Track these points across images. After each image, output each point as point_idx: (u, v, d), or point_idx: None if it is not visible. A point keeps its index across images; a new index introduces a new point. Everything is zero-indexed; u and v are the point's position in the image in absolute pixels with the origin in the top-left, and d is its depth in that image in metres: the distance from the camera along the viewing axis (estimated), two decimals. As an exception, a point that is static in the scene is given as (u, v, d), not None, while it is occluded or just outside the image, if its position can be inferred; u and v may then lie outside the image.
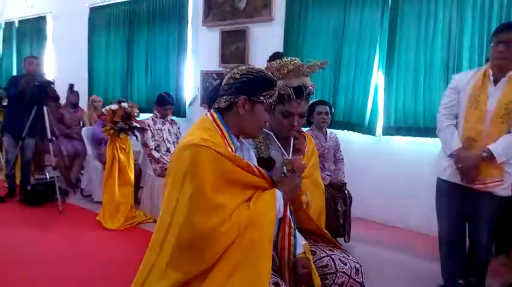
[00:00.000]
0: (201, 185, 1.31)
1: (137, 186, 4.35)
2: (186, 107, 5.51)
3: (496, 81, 2.23)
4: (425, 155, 3.70)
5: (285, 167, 1.56)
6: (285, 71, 1.63)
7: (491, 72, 2.25)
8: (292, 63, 1.64)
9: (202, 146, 1.34)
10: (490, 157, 2.15)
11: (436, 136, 3.35)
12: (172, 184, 1.40)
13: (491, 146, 2.15)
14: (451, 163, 2.32)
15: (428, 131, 3.67)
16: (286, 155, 1.60)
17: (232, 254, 1.32)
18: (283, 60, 1.68)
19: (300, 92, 1.62)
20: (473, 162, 2.20)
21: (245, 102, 1.45)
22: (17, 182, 4.80)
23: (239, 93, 1.45)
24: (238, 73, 1.48)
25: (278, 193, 1.46)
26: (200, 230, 1.31)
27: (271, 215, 1.40)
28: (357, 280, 1.60)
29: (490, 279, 2.46)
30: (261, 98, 1.46)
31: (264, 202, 1.41)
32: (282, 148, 1.64)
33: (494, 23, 3.30)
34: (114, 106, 3.81)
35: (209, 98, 1.58)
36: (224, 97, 1.47)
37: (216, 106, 1.50)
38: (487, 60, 2.52)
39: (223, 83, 1.50)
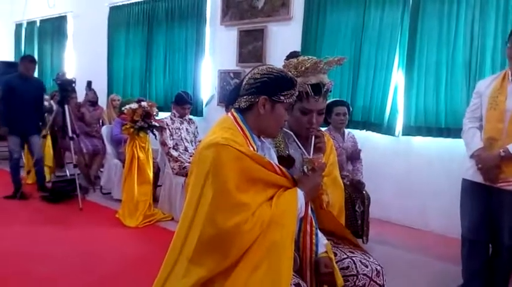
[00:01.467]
0: (224, 184, 1.32)
1: (155, 184, 4.40)
2: (203, 106, 5.54)
3: None
4: (446, 156, 3.66)
5: (305, 166, 1.56)
6: (303, 69, 1.63)
7: (509, 72, 2.29)
8: (309, 61, 1.64)
9: (225, 145, 1.34)
10: (509, 156, 2.17)
11: (457, 137, 3.32)
12: (195, 183, 1.41)
13: (510, 145, 2.18)
14: (474, 163, 2.34)
15: (450, 131, 3.61)
16: (306, 154, 1.60)
17: (255, 252, 1.33)
18: (300, 58, 1.68)
19: (318, 89, 1.63)
20: (492, 162, 2.23)
21: (265, 102, 1.46)
22: (29, 181, 4.92)
23: (260, 93, 1.46)
24: (258, 73, 1.48)
25: (299, 192, 1.46)
26: (223, 228, 1.31)
27: (292, 214, 1.40)
28: (378, 282, 1.59)
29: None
30: (282, 97, 1.46)
31: (286, 201, 1.42)
32: (302, 147, 1.64)
33: (518, 23, 3.23)
34: (134, 105, 3.85)
35: (229, 98, 1.59)
36: (245, 97, 1.48)
37: (237, 106, 1.51)
38: None
39: (243, 83, 1.51)
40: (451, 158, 3.57)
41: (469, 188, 2.42)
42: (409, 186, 3.92)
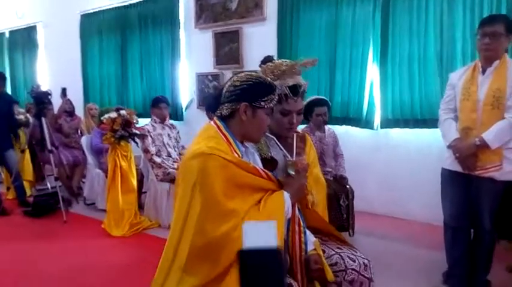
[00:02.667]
0: (211, 192, 1.35)
1: (140, 191, 4.38)
2: (183, 110, 5.53)
3: (484, 72, 2.35)
4: (424, 146, 3.76)
5: (289, 169, 1.59)
6: (279, 72, 1.68)
7: (479, 64, 2.38)
8: (285, 64, 1.70)
9: (211, 154, 1.37)
10: (484, 144, 2.25)
11: (433, 127, 3.43)
12: (182, 194, 1.43)
13: (484, 134, 2.26)
14: (451, 153, 2.43)
15: (426, 122, 3.72)
16: (289, 156, 1.64)
17: None
18: (276, 62, 1.73)
19: (296, 90, 1.68)
20: (468, 151, 2.31)
21: (246, 109, 1.49)
22: (9, 197, 4.83)
23: (240, 100, 1.49)
24: (238, 80, 1.51)
25: (286, 195, 1.50)
26: (214, 237, 1.34)
27: (280, 216, 1.44)
28: (366, 275, 1.65)
29: (494, 264, 2.52)
30: (262, 103, 1.50)
31: (273, 204, 1.46)
32: (283, 150, 1.69)
33: (485, 14, 3.32)
34: (113, 114, 3.82)
35: (210, 105, 1.62)
36: (226, 104, 1.51)
37: (219, 114, 1.54)
38: None
39: (224, 90, 1.54)
40: (429, 148, 3.68)
41: (448, 177, 2.50)
42: (390, 177, 4.01)
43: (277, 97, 1.57)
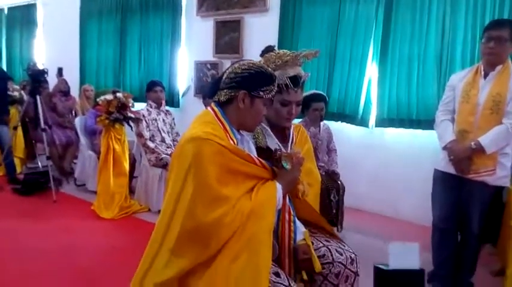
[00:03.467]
0: (205, 177, 1.35)
1: (131, 176, 4.36)
2: (180, 97, 5.50)
3: (486, 76, 2.34)
4: (418, 147, 3.78)
5: (284, 161, 1.59)
6: (281, 62, 1.68)
7: (482, 67, 2.36)
8: (288, 54, 1.69)
9: (206, 139, 1.37)
10: (480, 148, 2.25)
11: (428, 128, 3.44)
12: (176, 177, 1.42)
13: (480, 138, 2.25)
14: (446, 155, 2.42)
15: (421, 123, 3.73)
16: (283, 148, 1.64)
17: (235, 243, 1.37)
18: (277, 52, 1.73)
19: (296, 81, 1.68)
20: (464, 154, 2.31)
21: (245, 97, 1.48)
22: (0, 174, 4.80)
23: (240, 88, 1.48)
24: (239, 68, 1.50)
25: (278, 186, 1.51)
26: (204, 221, 1.34)
27: (271, 207, 1.45)
28: (352, 269, 1.66)
29: (478, 267, 2.55)
30: (261, 93, 1.49)
31: (265, 194, 1.46)
32: (279, 144, 1.70)
33: (487, 19, 3.33)
34: (109, 96, 3.80)
35: (209, 90, 1.61)
36: (224, 91, 1.50)
37: (217, 99, 1.53)
38: None
39: (224, 76, 1.53)
40: (422, 149, 3.70)
41: (440, 178, 2.50)
42: (382, 176, 4.03)
43: (276, 88, 1.56)
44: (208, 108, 1.56)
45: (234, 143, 1.48)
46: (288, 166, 1.56)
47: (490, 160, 2.28)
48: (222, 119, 1.50)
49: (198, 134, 1.39)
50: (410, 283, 2.01)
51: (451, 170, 2.40)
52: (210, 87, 1.63)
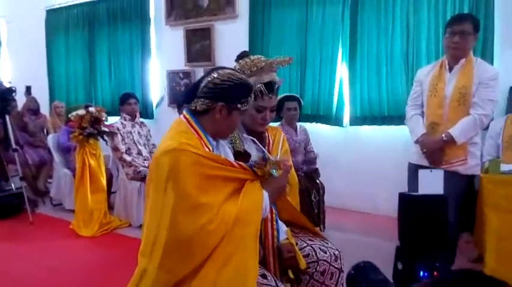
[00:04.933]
0: (184, 188, 1.34)
1: (109, 191, 4.29)
2: (154, 108, 5.46)
3: (451, 70, 2.43)
4: (391, 142, 3.88)
5: (272, 169, 1.58)
6: (256, 69, 1.70)
7: (446, 61, 2.45)
8: (262, 60, 1.71)
9: (182, 150, 1.36)
10: (450, 140, 2.35)
11: (400, 124, 3.54)
12: (155, 191, 1.42)
13: (450, 130, 2.35)
14: (419, 148, 2.50)
15: (393, 119, 3.84)
16: (268, 154, 1.64)
17: (221, 250, 1.36)
18: (251, 58, 1.74)
19: (271, 87, 1.71)
20: (435, 146, 2.40)
21: (222, 109, 1.48)
22: None
23: (218, 99, 1.47)
24: (218, 78, 1.48)
25: (265, 194, 1.50)
26: (188, 231, 1.34)
27: (257, 213, 1.44)
28: (336, 266, 1.70)
29: (456, 256, 2.63)
30: (239, 105, 1.49)
31: (250, 200, 1.45)
32: (265, 150, 1.69)
33: (448, 15, 3.46)
34: (81, 111, 3.73)
35: (184, 96, 1.59)
36: (202, 99, 1.48)
37: (193, 108, 1.51)
38: None
39: (202, 84, 1.50)
40: (395, 144, 3.79)
41: (414, 171, 2.51)
42: (359, 173, 4.12)
43: (252, 98, 1.57)
44: (181, 116, 1.55)
45: (209, 150, 1.48)
46: (275, 173, 1.56)
47: (461, 149, 2.37)
48: (196, 127, 1.50)
49: (173, 145, 1.38)
50: (434, 208, 2.08)
51: (424, 162, 2.48)
52: (184, 94, 1.62)
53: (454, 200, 2.44)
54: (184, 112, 1.55)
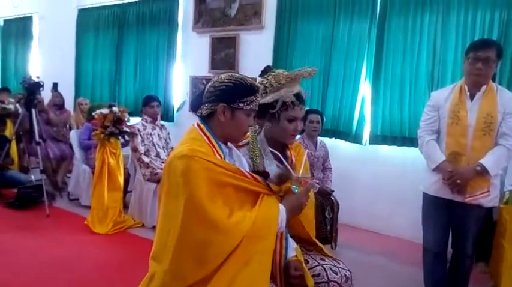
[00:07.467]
0: (194, 194, 1.35)
1: (125, 190, 4.35)
2: (175, 111, 5.53)
3: (472, 96, 2.33)
4: (410, 164, 3.82)
5: (294, 185, 1.58)
6: (285, 81, 1.71)
7: (466, 87, 2.34)
8: (293, 72, 1.73)
9: (192, 156, 1.37)
10: (483, 171, 2.23)
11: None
12: (167, 196, 1.44)
13: (483, 161, 2.23)
14: (438, 179, 2.38)
15: (413, 140, 3.76)
16: (292, 171, 1.63)
17: (233, 264, 1.36)
18: (281, 71, 1.76)
19: (300, 98, 1.73)
20: (468, 176, 2.26)
21: (224, 110, 1.49)
22: None
23: (218, 101, 1.49)
24: (217, 81, 1.52)
25: (281, 207, 1.50)
26: (197, 240, 1.35)
27: (272, 228, 1.44)
28: (346, 287, 1.67)
29: (471, 286, 2.57)
30: (241, 105, 1.50)
31: (266, 214, 1.45)
32: (287, 165, 1.67)
33: (477, 38, 3.41)
34: (105, 111, 3.81)
35: (194, 104, 1.62)
36: (206, 105, 1.52)
37: (199, 114, 1.55)
38: None
39: (205, 90, 1.55)
40: (414, 167, 3.72)
41: (431, 202, 2.46)
42: (375, 193, 4.06)
43: (258, 99, 1.57)
44: (195, 124, 1.57)
45: (221, 157, 1.49)
46: (297, 190, 1.55)
47: (485, 181, 2.26)
48: (208, 134, 1.51)
49: (184, 152, 1.39)
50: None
51: (443, 194, 2.36)
52: (193, 102, 1.65)
53: (473, 232, 2.38)
54: (198, 120, 1.57)
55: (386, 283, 2.97)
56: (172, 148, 4.29)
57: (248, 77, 1.57)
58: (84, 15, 6.58)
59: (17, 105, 5.22)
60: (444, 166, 2.33)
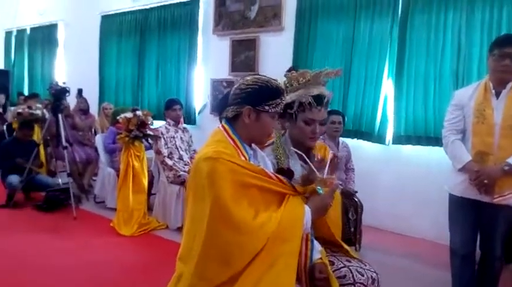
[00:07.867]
0: (219, 196, 1.36)
1: (149, 193, 4.42)
2: (196, 114, 5.59)
3: (497, 94, 2.25)
4: (435, 164, 3.74)
5: (319, 186, 1.58)
6: (304, 80, 1.71)
7: (491, 85, 2.27)
8: (310, 72, 1.72)
9: (217, 158, 1.39)
10: (511, 170, 2.16)
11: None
12: (194, 198, 1.46)
13: (511, 160, 2.16)
14: (463, 179, 2.32)
15: (438, 140, 3.66)
16: (317, 172, 1.62)
17: (258, 266, 1.37)
18: (301, 70, 1.76)
19: (320, 100, 1.71)
20: (496, 176, 2.19)
21: (250, 112, 1.50)
22: None
23: (244, 103, 1.50)
24: (244, 83, 1.53)
25: (306, 208, 1.50)
26: (223, 242, 1.36)
27: (297, 229, 1.44)
28: (373, 289, 1.66)
29: (501, 288, 2.51)
30: (266, 107, 1.50)
31: (291, 216, 1.45)
32: (312, 165, 1.66)
33: (503, 33, 3.33)
34: (129, 115, 3.88)
35: (219, 107, 1.64)
36: (231, 107, 1.53)
37: (224, 116, 1.56)
38: None
39: (231, 93, 1.56)
40: (439, 167, 3.64)
41: (458, 203, 2.40)
42: (399, 193, 4.00)
43: (284, 102, 1.57)
44: (219, 126, 1.59)
45: (245, 158, 1.50)
46: (321, 191, 1.55)
47: None
48: (233, 136, 1.53)
49: (209, 154, 1.41)
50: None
51: (469, 194, 2.30)
52: (218, 104, 1.67)
53: (501, 233, 2.31)
54: (222, 122, 1.59)
55: (411, 285, 2.92)
56: (194, 150, 4.34)
57: (274, 80, 1.57)
58: (108, 22, 6.73)
59: (44, 110, 5.38)
60: (470, 166, 2.26)
